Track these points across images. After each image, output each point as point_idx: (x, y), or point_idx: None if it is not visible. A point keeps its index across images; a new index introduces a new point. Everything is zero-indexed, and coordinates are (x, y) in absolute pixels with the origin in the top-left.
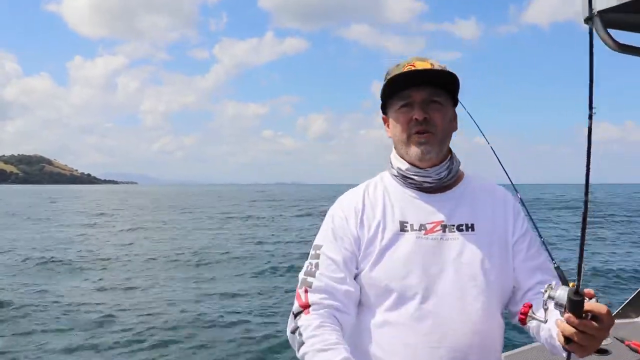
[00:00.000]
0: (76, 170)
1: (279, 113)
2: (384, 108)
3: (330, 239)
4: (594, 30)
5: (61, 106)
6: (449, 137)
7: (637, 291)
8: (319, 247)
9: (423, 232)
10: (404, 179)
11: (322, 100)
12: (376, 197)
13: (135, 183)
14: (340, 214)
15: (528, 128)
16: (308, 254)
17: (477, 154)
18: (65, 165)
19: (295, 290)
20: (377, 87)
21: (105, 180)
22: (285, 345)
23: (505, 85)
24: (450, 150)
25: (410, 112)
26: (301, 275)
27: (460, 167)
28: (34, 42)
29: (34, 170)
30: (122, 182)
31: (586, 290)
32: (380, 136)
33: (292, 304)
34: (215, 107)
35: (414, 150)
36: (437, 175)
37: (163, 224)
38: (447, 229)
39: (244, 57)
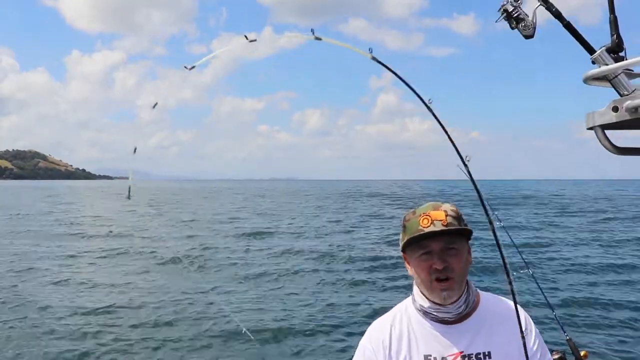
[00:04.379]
0: (71, 165)
1: (276, 108)
2: (404, 248)
3: None
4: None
5: (57, 101)
6: (466, 273)
7: None
8: None
9: None
10: (425, 314)
11: (320, 95)
12: (402, 331)
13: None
14: (370, 347)
15: (523, 122)
16: None
17: (472, 148)
18: (60, 160)
19: None
20: (375, 82)
21: (100, 175)
22: None
23: (501, 81)
24: (467, 282)
25: (429, 259)
26: None
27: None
28: (31, 37)
29: (28, 166)
30: (117, 178)
31: None
32: (376, 132)
33: None
34: (212, 102)
35: (437, 295)
36: (456, 311)
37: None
38: (466, 359)
39: (243, 52)
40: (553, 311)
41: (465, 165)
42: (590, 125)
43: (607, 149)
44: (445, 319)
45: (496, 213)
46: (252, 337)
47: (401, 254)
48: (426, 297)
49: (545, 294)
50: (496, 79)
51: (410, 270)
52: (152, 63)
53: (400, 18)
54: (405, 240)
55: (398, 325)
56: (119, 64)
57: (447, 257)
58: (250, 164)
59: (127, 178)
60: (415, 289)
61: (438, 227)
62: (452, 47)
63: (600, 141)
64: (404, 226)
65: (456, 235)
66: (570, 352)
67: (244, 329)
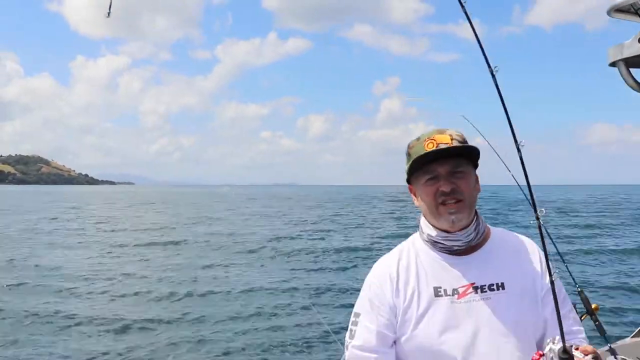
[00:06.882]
0: (73, 170)
1: (280, 114)
2: (409, 178)
3: (367, 309)
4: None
5: (61, 107)
6: (476, 200)
7: None
8: (357, 315)
9: (456, 296)
10: (434, 244)
11: (323, 101)
12: (409, 264)
13: (133, 184)
14: (376, 282)
15: (526, 127)
16: None
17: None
18: (63, 165)
19: None
20: (379, 88)
21: (102, 181)
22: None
23: (505, 85)
24: (476, 212)
25: (436, 184)
26: (345, 339)
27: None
28: (36, 42)
29: (31, 171)
30: (120, 183)
31: (582, 348)
32: (378, 137)
33: None
34: (216, 108)
35: (445, 220)
36: (465, 238)
37: None
38: (478, 290)
39: (247, 58)
40: (564, 262)
41: (519, 150)
42: (614, 59)
43: (630, 86)
44: (455, 247)
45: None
46: None
47: (407, 185)
48: (434, 226)
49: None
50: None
51: (416, 201)
52: (157, 68)
53: (406, 24)
54: (409, 165)
55: (405, 258)
56: (122, 69)
57: (454, 180)
58: (252, 170)
59: (131, 183)
60: (422, 219)
61: (443, 149)
62: (455, 52)
63: (623, 77)
64: (408, 153)
65: (463, 159)
66: (581, 303)
67: None
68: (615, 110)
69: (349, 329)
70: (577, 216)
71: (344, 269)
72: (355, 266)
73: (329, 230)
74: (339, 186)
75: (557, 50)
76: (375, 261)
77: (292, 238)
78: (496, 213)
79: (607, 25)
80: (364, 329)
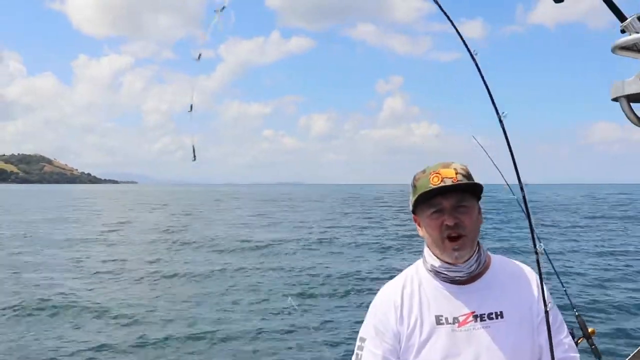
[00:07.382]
0: (76, 169)
1: (282, 112)
2: (415, 208)
3: (372, 335)
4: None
5: (63, 106)
6: (478, 232)
7: None
8: (363, 340)
9: (456, 324)
10: (437, 273)
11: (326, 99)
12: (413, 292)
13: (136, 182)
14: (381, 309)
15: (529, 127)
16: None
17: (475, 154)
18: (66, 164)
19: None
20: (382, 87)
21: (105, 180)
22: None
23: (507, 84)
24: (478, 243)
25: (441, 217)
26: None
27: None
28: (38, 41)
29: (34, 170)
30: (122, 182)
31: None
32: (381, 136)
33: None
34: (218, 107)
35: (449, 255)
36: (467, 269)
37: None
38: (478, 319)
39: (250, 57)
40: (563, 286)
41: (522, 189)
42: (616, 96)
43: (631, 121)
44: (457, 278)
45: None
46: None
47: (412, 215)
48: (437, 257)
49: (557, 271)
50: (499, 83)
51: (421, 232)
52: (159, 67)
53: (409, 23)
54: (415, 198)
55: (409, 286)
56: (125, 68)
57: (458, 215)
58: (255, 168)
59: (134, 182)
60: (426, 249)
61: (448, 184)
62: (458, 51)
63: (625, 112)
64: (414, 185)
65: (467, 193)
66: (579, 327)
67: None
68: (616, 110)
69: (355, 352)
70: (581, 218)
71: (349, 291)
72: (360, 290)
73: (339, 236)
74: (344, 185)
75: (559, 49)
76: (381, 282)
77: (300, 241)
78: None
79: (609, 26)
80: (370, 353)
